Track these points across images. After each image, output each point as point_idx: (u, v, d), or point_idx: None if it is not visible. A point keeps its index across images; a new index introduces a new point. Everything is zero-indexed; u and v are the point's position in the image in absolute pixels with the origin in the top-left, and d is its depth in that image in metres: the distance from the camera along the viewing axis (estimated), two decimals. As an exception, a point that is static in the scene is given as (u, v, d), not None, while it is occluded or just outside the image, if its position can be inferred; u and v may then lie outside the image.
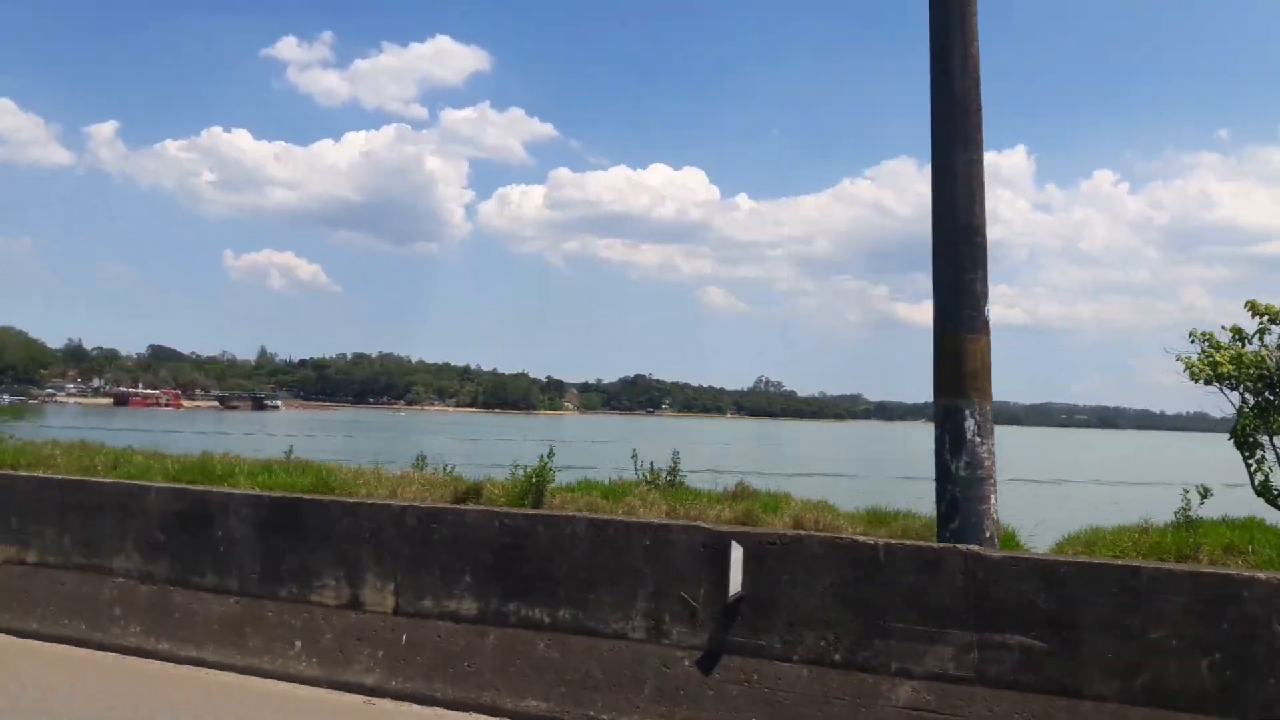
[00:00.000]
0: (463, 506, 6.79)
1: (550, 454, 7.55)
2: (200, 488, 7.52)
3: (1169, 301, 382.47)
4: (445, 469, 8.96)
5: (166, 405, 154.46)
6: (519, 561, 6.14)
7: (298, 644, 6.57)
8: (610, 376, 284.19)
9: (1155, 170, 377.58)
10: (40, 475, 8.16)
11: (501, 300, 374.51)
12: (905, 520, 6.98)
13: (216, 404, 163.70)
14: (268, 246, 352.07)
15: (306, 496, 7.11)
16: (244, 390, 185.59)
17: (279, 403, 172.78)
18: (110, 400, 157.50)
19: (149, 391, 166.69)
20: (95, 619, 7.24)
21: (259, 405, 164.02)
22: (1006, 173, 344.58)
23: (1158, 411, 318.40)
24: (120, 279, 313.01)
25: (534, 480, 7.39)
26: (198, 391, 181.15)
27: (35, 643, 7.30)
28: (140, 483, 7.73)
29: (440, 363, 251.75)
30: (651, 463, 8.27)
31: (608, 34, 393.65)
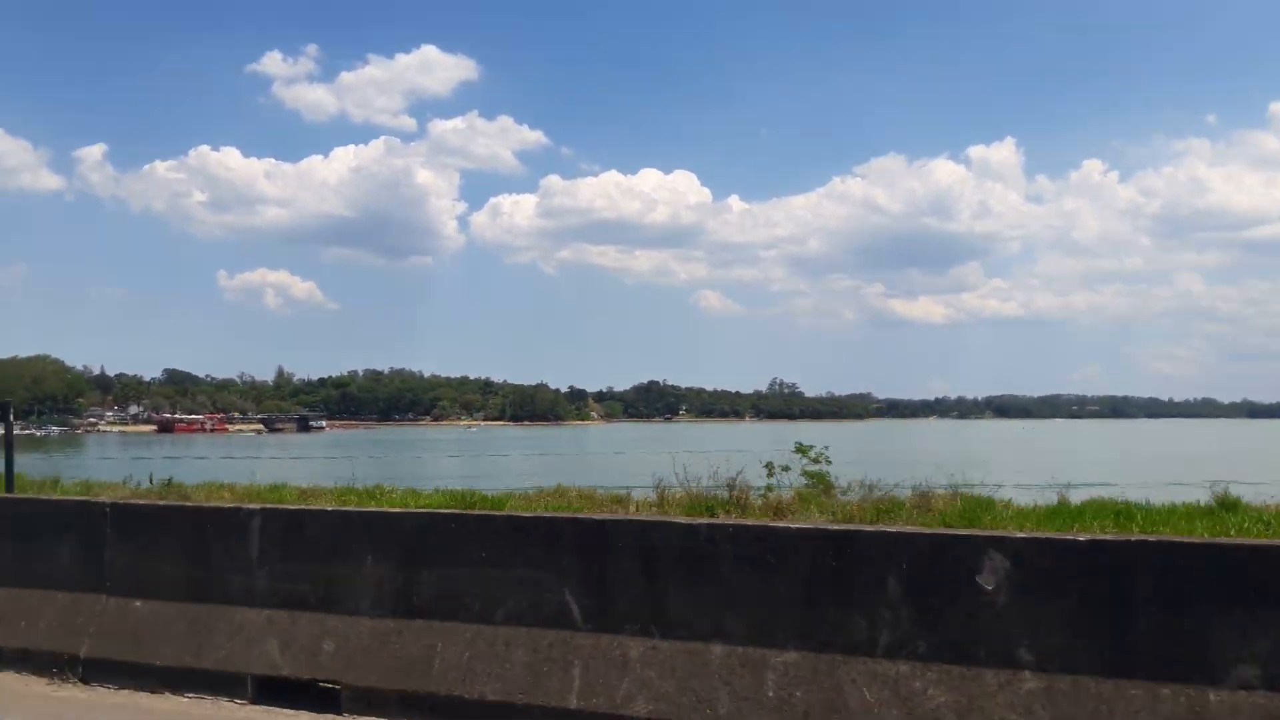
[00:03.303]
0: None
1: None
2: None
3: (1164, 288, 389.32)
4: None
5: (211, 430, 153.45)
6: None
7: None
8: (619, 384, 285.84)
9: (1144, 158, 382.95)
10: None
11: (501, 311, 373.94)
12: None
13: (261, 427, 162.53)
14: (262, 266, 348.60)
15: None
16: (279, 413, 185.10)
17: (324, 423, 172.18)
18: (154, 428, 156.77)
19: (193, 417, 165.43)
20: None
21: (304, 427, 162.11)
22: (996, 166, 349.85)
23: (1165, 399, 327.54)
24: (118, 303, 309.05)
25: None
26: (236, 415, 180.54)
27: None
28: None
29: (459, 377, 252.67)
30: None
31: (595, 39, 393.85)
